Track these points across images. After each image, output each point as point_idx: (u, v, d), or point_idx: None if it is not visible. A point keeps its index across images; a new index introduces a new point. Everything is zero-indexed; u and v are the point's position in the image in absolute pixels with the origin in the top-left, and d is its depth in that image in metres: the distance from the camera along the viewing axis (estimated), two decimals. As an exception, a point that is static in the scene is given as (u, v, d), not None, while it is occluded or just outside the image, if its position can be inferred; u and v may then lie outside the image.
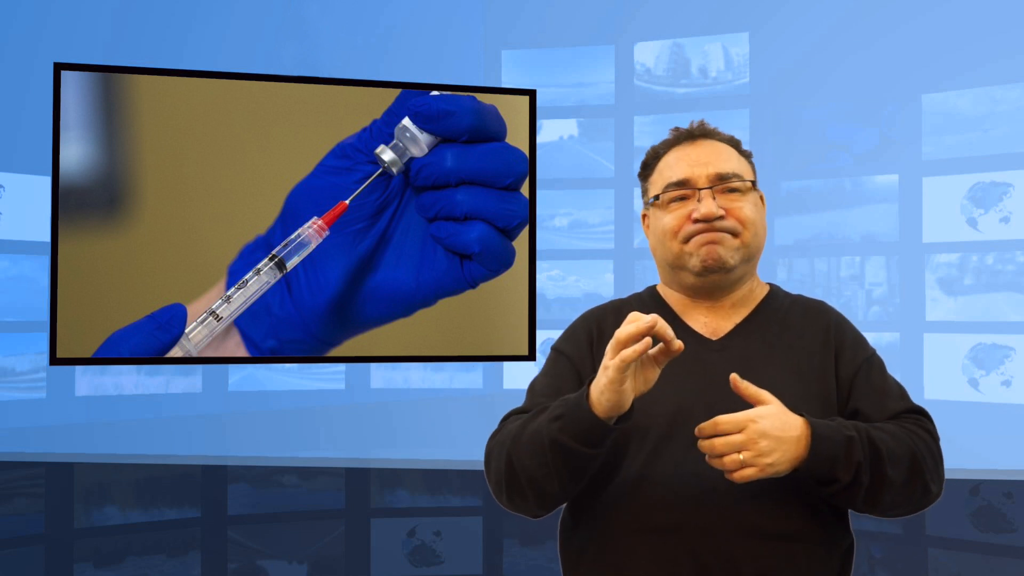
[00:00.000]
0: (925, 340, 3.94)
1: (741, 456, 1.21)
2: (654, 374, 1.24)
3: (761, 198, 1.46)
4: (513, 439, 1.32)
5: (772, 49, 4.23)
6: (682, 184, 1.42)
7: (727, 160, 1.43)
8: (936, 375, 3.90)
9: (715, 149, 1.44)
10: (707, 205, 1.39)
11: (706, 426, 1.23)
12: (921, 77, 3.96)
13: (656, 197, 1.44)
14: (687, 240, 1.40)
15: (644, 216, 1.51)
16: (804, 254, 4.17)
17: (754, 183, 1.44)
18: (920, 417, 1.37)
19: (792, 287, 1.53)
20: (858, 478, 1.25)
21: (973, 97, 3.90)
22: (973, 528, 3.21)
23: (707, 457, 1.23)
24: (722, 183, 1.41)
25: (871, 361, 1.41)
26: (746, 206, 1.41)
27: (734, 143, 1.48)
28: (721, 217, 1.39)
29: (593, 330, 1.46)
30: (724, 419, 1.22)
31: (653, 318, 1.20)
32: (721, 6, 4.33)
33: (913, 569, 3.31)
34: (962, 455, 3.32)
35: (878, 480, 1.26)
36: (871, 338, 1.48)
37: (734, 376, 1.25)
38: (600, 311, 1.51)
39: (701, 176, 1.41)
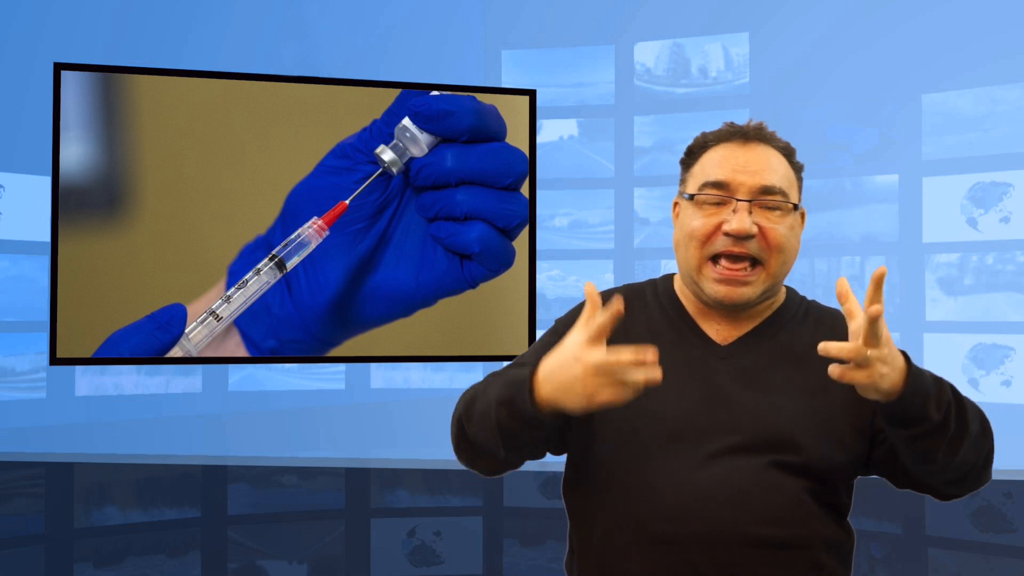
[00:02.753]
0: (925, 340, 3.94)
1: (869, 353, 1.13)
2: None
3: (802, 216, 1.37)
4: (466, 407, 1.31)
5: (772, 49, 4.23)
6: (721, 187, 1.31)
7: (775, 172, 1.32)
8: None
9: (765, 157, 1.33)
10: (741, 220, 1.29)
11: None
12: (921, 77, 3.96)
13: (691, 196, 1.34)
14: (712, 258, 1.32)
15: (676, 204, 1.40)
16: (804, 254, 4.14)
17: (797, 204, 1.34)
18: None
19: (792, 287, 1.49)
20: (947, 419, 1.19)
21: (973, 97, 3.90)
22: (973, 528, 3.21)
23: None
24: (763, 197, 1.31)
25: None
26: (782, 227, 1.31)
27: (788, 152, 1.37)
28: (752, 236, 1.29)
29: None
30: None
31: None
32: (721, 6, 4.32)
33: (913, 569, 3.31)
34: (962, 455, 3.31)
35: (961, 427, 1.22)
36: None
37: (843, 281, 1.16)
38: (609, 295, 1.43)
39: (743, 185, 1.31)
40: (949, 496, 1.33)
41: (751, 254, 1.31)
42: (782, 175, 1.33)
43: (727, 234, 1.30)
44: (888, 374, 1.15)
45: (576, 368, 1.16)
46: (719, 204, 1.32)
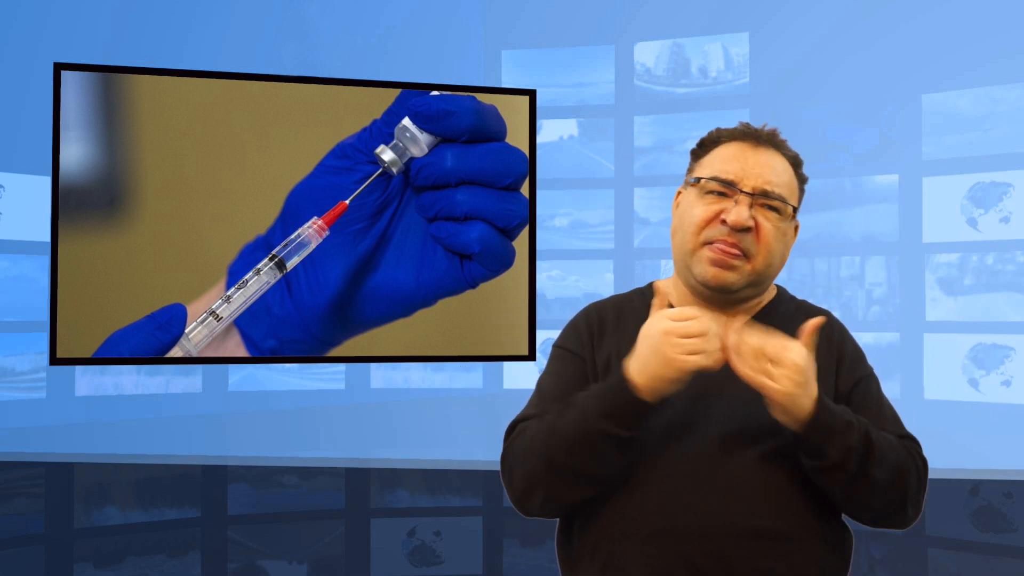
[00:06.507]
0: (925, 340, 3.94)
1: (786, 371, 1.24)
2: None
3: (796, 228, 1.43)
4: (546, 441, 1.32)
5: (772, 49, 4.23)
6: (728, 183, 1.37)
7: (780, 177, 1.39)
8: (936, 375, 3.90)
9: (773, 162, 1.40)
10: (740, 212, 1.35)
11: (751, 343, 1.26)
12: (921, 77, 3.96)
13: (699, 179, 1.40)
14: (706, 243, 1.37)
15: (679, 192, 1.45)
16: (804, 254, 4.17)
17: (795, 211, 1.41)
18: (912, 444, 1.38)
19: (792, 287, 1.52)
20: (846, 463, 1.26)
21: (973, 97, 3.90)
22: (973, 528, 3.21)
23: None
24: (764, 199, 1.37)
25: (869, 380, 1.41)
26: (775, 230, 1.37)
27: (796, 162, 1.44)
28: (748, 229, 1.35)
29: (594, 324, 1.45)
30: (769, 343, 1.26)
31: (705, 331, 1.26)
32: (721, 6, 4.33)
33: (913, 569, 3.31)
34: (962, 455, 3.32)
35: (862, 474, 1.27)
36: (871, 338, 1.47)
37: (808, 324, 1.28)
38: (600, 306, 1.49)
39: (749, 182, 1.37)
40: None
41: (742, 247, 1.36)
42: (786, 182, 1.40)
43: (724, 222, 1.35)
44: (800, 396, 1.24)
45: (656, 336, 1.26)
46: (722, 196, 1.37)
